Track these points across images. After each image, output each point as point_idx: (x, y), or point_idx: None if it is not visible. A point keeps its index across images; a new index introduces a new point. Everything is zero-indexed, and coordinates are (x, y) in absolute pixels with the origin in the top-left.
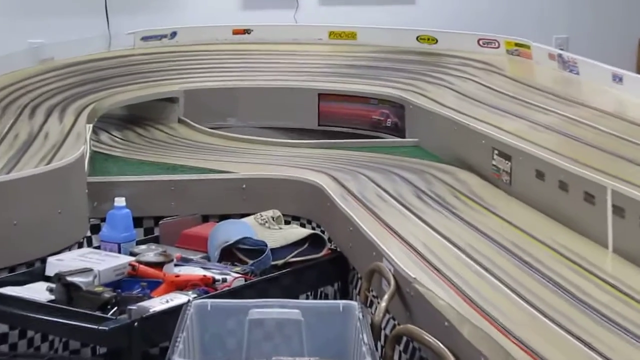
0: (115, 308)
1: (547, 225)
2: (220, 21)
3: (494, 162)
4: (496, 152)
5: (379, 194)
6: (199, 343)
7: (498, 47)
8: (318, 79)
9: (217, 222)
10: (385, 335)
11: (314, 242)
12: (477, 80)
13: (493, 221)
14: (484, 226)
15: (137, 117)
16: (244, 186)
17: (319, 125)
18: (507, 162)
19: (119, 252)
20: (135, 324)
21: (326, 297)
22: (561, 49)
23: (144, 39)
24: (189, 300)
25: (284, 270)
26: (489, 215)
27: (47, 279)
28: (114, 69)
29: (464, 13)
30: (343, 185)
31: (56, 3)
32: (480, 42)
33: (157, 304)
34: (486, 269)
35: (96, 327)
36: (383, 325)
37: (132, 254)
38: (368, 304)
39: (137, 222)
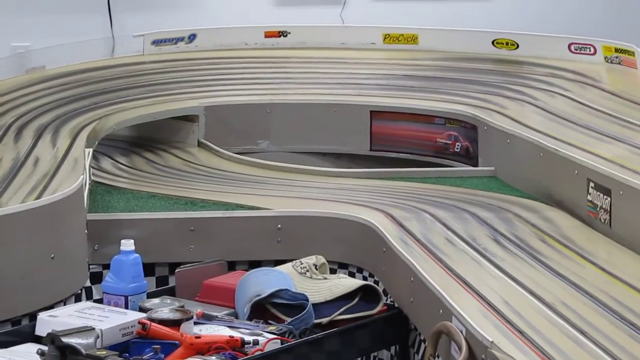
0: None
1: None
2: (249, 21)
3: (589, 198)
4: (592, 184)
5: (446, 237)
6: None
7: (594, 53)
8: (370, 93)
9: (247, 270)
10: None
11: (366, 295)
12: (568, 95)
13: (589, 271)
14: (578, 278)
15: (147, 140)
16: (280, 226)
17: (371, 150)
18: (605, 197)
19: (126, 307)
20: None
21: None
22: None
23: (156, 42)
24: None
25: (329, 331)
26: (584, 264)
27: (38, 339)
28: (119, 80)
29: (551, 11)
30: (402, 226)
31: None
32: (572, 48)
33: None
34: (582, 332)
35: None
36: None
37: (142, 309)
38: None
39: (148, 269)
